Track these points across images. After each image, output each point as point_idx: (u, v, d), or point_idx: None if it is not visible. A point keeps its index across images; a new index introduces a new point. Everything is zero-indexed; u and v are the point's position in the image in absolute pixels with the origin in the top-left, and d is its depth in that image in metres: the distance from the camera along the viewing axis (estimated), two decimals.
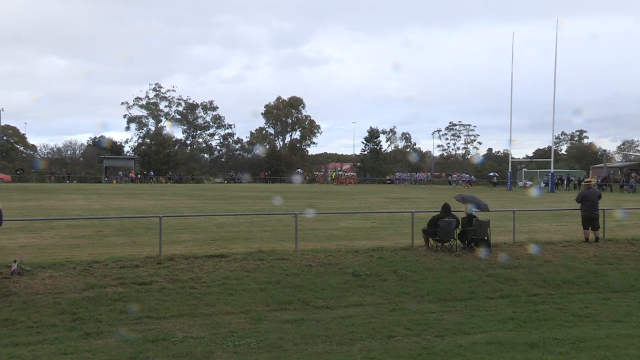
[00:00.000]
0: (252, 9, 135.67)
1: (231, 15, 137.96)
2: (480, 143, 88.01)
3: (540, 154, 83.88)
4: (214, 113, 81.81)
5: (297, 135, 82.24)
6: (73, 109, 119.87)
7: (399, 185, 60.94)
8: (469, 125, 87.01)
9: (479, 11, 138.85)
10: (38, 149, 76.73)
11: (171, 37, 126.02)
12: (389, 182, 66.16)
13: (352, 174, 69.19)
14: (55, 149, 74.70)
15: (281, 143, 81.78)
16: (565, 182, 51.86)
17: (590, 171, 63.37)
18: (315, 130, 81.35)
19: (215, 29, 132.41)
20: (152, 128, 78.89)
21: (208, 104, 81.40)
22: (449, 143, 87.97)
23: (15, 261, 9.57)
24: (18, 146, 75.88)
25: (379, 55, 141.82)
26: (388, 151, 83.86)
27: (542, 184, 51.56)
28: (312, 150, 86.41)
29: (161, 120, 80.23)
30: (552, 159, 48.46)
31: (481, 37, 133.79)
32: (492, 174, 63.42)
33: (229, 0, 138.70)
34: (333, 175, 66.15)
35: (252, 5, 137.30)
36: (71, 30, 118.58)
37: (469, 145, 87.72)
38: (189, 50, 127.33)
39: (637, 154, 79.78)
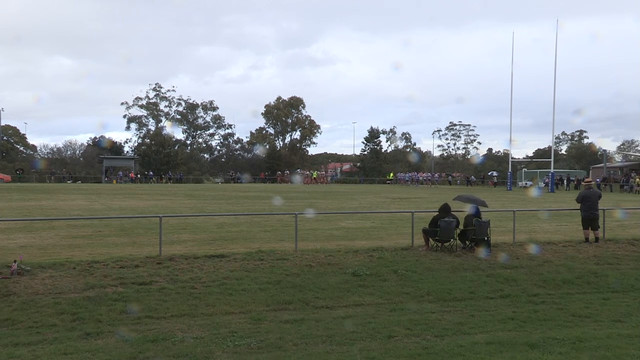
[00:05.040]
0: (261, 9, 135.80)
1: (239, 15, 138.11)
2: (480, 143, 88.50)
3: (541, 154, 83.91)
4: (214, 113, 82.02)
5: (297, 135, 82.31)
6: (76, 109, 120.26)
7: (400, 186, 60.91)
8: (469, 125, 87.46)
9: (483, 12, 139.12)
10: (38, 149, 76.93)
11: (178, 37, 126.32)
12: (388, 182, 66.17)
13: (322, 173, 69.88)
14: (55, 149, 74.86)
15: (281, 143, 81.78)
16: (565, 182, 51.84)
17: (590, 171, 63.35)
18: (315, 130, 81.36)
19: (222, 29, 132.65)
20: (152, 128, 79.03)
21: (208, 104, 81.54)
22: (449, 143, 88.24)
23: (15, 261, 9.57)
24: (18, 146, 75.91)
25: (384, 55, 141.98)
26: (388, 151, 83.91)
27: (542, 184, 51.56)
28: (312, 150, 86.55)
29: (161, 120, 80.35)
30: (552, 159, 48.44)
31: (485, 37, 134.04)
32: (492, 173, 63.52)
33: (237, 0, 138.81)
34: (315, 174, 66.62)
35: (260, 5, 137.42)
36: (78, 30, 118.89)
37: (469, 145, 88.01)
38: (196, 50, 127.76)
39: (637, 154, 79.75)
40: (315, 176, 65.51)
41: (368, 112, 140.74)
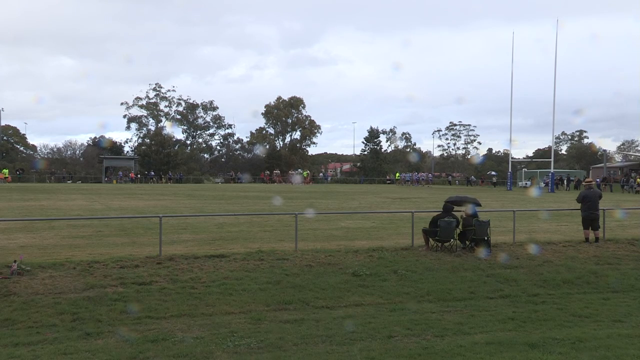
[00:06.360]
0: (263, 9, 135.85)
1: (242, 15, 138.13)
2: (480, 143, 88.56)
3: (541, 154, 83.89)
4: (214, 113, 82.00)
5: (297, 135, 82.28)
6: (76, 109, 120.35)
7: (399, 186, 60.89)
8: (469, 125, 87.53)
9: (484, 12, 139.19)
10: (38, 149, 76.98)
11: (180, 37, 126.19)
12: (388, 182, 66.19)
13: (307, 172, 70.56)
14: (55, 149, 74.91)
15: (281, 143, 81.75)
16: (565, 182, 51.85)
17: (590, 171, 63.37)
18: (316, 131, 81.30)
19: (225, 29, 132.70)
20: (152, 128, 78.97)
21: (208, 104, 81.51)
22: (449, 143, 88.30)
23: (15, 261, 9.57)
24: (18, 146, 75.92)
25: (385, 55, 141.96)
26: (388, 151, 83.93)
27: (542, 184, 51.55)
28: (312, 150, 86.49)
29: (161, 120, 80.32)
30: (552, 159, 48.43)
31: (485, 37, 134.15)
32: (493, 173, 63.53)
33: (240, 0, 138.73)
34: (305, 174, 66.85)
35: (263, 5, 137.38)
36: (80, 30, 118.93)
37: (469, 146, 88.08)
38: (198, 50, 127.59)
39: (637, 153, 79.75)
40: (305, 175, 65.81)
41: (368, 112, 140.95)
